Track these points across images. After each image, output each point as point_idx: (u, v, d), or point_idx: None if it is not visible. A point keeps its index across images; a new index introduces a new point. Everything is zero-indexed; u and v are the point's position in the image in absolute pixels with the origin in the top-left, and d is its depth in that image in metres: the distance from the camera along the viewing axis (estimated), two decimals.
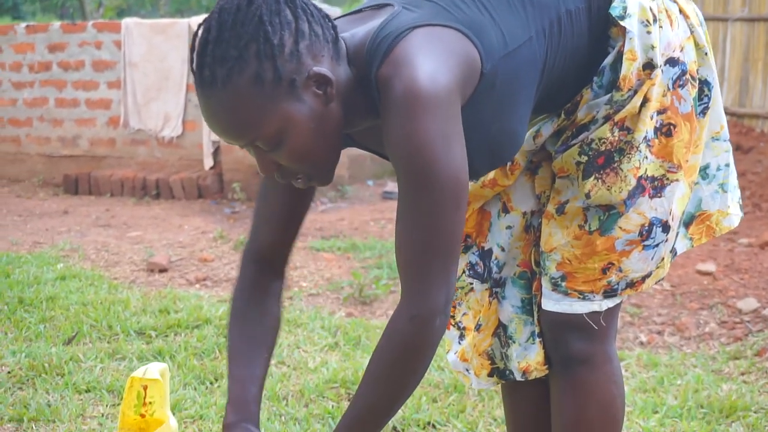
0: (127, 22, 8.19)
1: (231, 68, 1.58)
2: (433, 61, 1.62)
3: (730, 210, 2.03)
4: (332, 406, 3.24)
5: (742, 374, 3.64)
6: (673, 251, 2.01)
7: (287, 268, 2.01)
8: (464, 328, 2.12)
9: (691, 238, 2.03)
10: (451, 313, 2.08)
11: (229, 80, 1.58)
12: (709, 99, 1.96)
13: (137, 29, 8.08)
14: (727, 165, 2.03)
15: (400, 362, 1.68)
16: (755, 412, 3.18)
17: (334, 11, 7.94)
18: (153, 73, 8.00)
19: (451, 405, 3.25)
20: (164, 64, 7.95)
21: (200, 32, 1.64)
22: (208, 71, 1.60)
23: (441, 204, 1.61)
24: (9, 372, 3.59)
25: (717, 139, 2.02)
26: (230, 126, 1.65)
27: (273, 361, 3.70)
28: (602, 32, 1.87)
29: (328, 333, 4.08)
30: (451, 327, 2.14)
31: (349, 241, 5.94)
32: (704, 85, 1.95)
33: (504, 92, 1.75)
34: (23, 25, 8.74)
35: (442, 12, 1.71)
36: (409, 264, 1.66)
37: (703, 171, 2.01)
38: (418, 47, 1.63)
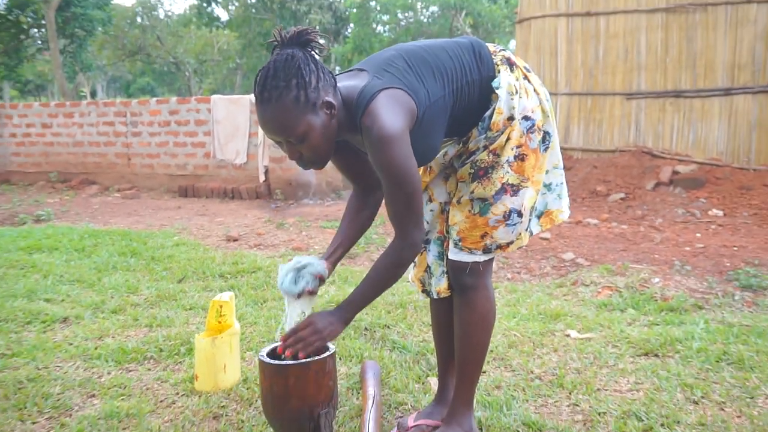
0: (214, 97, 8.10)
1: (281, 92, 1.67)
2: (392, 114, 1.71)
3: (563, 210, 2.07)
4: None
5: (564, 296, 3.65)
6: (530, 231, 2.02)
7: (373, 197, 2.08)
8: (414, 264, 2.14)
9: (541, 225, 2.06)
10: None
11: (279, 99, 1.67)
12: (549, 142, 1.98)
13: (220, 101, 8.00)
14: (562, 183, 2.07)
15: (390, 267, 1.80)
16: (570, 317, 3.21)
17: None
18: (229, 127, 7.91)
19: (398, 314, 3.24)
20: (236, 122, 7.85)
21: (260, 72, 1.71)
22: (267, 93, 1.67)
23: (406, 189, 1.73)
24: (145, 298, 3.57)
25: (557, 168, 2.05)
26: (277, 127, 1.70)
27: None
28: (488, 95, 1.89)
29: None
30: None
31: None
32: (546, 134, 1.96)
33: (428, 126, 1.83)
34: (154, 99, 8.67)
35: (395, 79, 1.78)
36: (397, 221, 1.78)
37: (548, 186, 2.04)
38: (383, 104, 1.72)
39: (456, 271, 1.99)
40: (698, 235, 5.19)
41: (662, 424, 2.12)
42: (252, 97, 7.69)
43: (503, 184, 1.91)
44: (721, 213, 5.93)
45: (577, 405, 2.28)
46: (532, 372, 2.56)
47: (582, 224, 5.66)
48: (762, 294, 3.58)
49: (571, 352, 2.76)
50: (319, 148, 1.74)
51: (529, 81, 1.95)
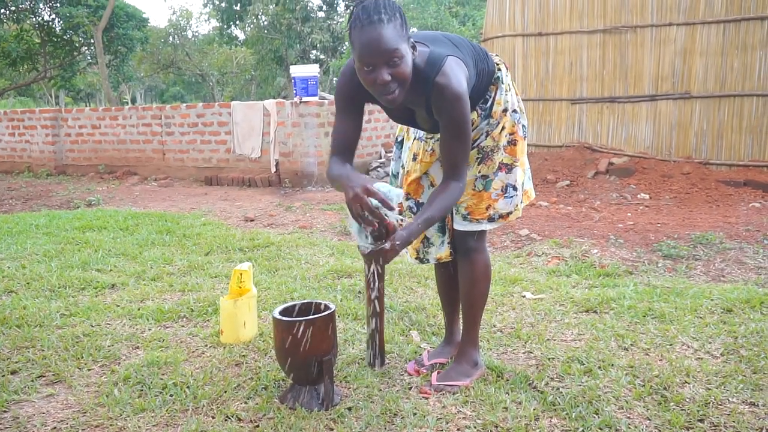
0: (234, 102, 7.98)
1: (390, 17, 1.60)
2: (460, 76, 1.71)
3: (532, 189, 2.10)
4: (330, 282, 3.21)
5: (520, 264, 3.65)
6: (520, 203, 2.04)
7: (353, 158, 1.87)
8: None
9: (523, 201, 2.05)
10: None
11: (389, 22, 1.59)
12: (525, 132, 2.01)
13: (239, 106, 7.89)
14: (528, 168, 2.09)
15: (450, 202, 1.76)
16: (525, 281, 3.21)
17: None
18: (246, 127, 7.80)
19: (386, 281, 3.21)
20: (252, 123, 7.75)
21: (364, 4, 1.62)
22: (377, 16, 1.59)
23: (466, 139, 1.74)
24: (178, 268, 3.53)
25: (524, 155, 2.06)
26: (383, 46, 1.59)
27: (302, 262, 3.68)
28: (488, 86, 1.91)
29: (328, 248, 4.03)
30: None
31: (339, 205, 5.85)
32: (523, 126, 1.99)
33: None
34: (184, 105, 8.56)
35: (451, 48, 1.78)
36: (455, 166, 1.77)
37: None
38: (452, 68, 1.71)
39: (465, 239, 1.99)
40: (629, 214, 5.21)
41: (599, 367, 2.13)
42: (265, 103, 7.67)
43: (500, 163, 1.94)
44: (647, 197, 5.95)
45: (531, 352, 2.30)
46: (494, 326, 2.57)
47: (535, 206, 5.66)
48: (680, 261, 3.60)
49: (526, 309, 2.77)
50: (405, 79, 1.64)
51: (512, 83, 2.00)
